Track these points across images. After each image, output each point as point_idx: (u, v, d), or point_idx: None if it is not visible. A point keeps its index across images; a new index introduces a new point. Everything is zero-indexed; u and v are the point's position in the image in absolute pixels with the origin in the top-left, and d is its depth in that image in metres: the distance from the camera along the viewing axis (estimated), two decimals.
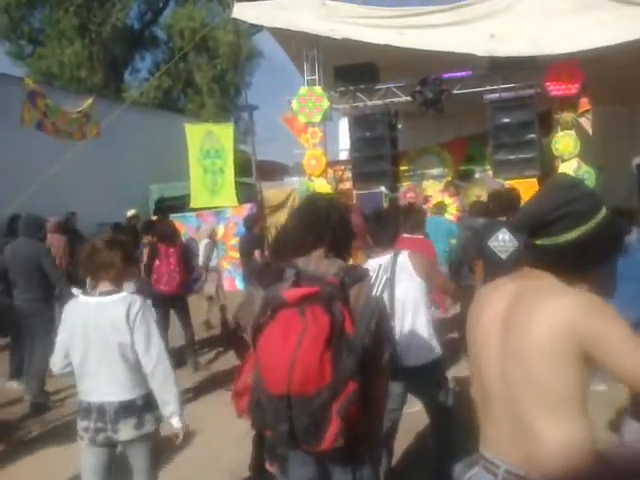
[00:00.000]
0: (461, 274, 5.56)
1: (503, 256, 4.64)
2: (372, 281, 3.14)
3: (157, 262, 6.49)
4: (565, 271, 1.45)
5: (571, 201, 1.42)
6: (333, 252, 2.08)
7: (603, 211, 1.46)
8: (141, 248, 7.24)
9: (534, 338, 1.37)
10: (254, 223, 7.68)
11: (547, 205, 1.44)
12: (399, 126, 9.99)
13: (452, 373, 5.69)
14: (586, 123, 8.54)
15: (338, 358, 1.78)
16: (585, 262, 1.44)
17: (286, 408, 1.82)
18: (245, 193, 12.66)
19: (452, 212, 9.34)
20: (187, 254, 6.81)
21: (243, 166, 14.01)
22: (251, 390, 1.98)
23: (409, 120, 10.88)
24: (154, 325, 2.80)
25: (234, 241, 10.35)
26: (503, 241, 4.66)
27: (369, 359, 1.88)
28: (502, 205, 4.93)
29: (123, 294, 2.81)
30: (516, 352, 1.40)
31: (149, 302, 2.86)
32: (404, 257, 3.24)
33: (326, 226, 2.08)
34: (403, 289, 3.22)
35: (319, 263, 2.01)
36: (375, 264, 3.26)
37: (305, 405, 1.79)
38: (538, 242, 1.44)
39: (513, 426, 1.43)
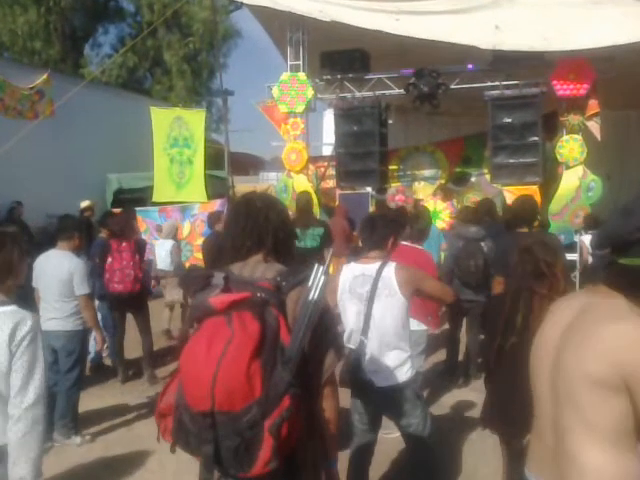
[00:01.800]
0: (452, 288, 5.21)
1: None
2: (345, 286, 3.23)
3: (109, 259, 6.53)
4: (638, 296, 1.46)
5: None
6: (273, 256, 2.09)
7: None
8: (96, 244, 7.20)
9: (583, 363, 1.39)
10: (216, 221, 7.58)
11: (630, 224, 1.45)
12: (390, 121, 9.92)
13: (436, 399, 5.85)
14: (594, 127, 8.51)
15: (270, 370, 1.76)
16: None
17: (210, 427, 1.78)
18: (216, 188, 12.64)
19: (445, 218, 9.47)
20: (141, 250, 6.82)
21: (214, 158, 14.44)
22: (174, 409, 1.95)
23: (401, 115, 10.80)
24: (41, 357, 2.45)
25: (200, 241, 10.20)
26: None
27: (312, 370, 1.88)
28: (523, 216, 4.94)
29: (11, 308, 2.47)
30: (565, 373, 1.43)
31: (39, 324, 2.53)
32: (390, 270, 3.22)
33: (265, 229, 2.09)
34: (381, 306, 3.22)
35: (255, 268, 2.02)
36: (357, 270, 3.28)
37: (231, 423, 1.75)
38: (621, 261, 1.47)
39: (556, 448, 1.48)
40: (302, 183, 9.36)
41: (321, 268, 1.81)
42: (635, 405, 1.36)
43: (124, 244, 6.57)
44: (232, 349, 1.71)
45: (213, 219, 7.75)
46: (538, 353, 1.56)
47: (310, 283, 1.82)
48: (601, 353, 1.36)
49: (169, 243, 8.48)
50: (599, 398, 1.35)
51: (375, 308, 3.20)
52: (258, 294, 1.84)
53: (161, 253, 8.46)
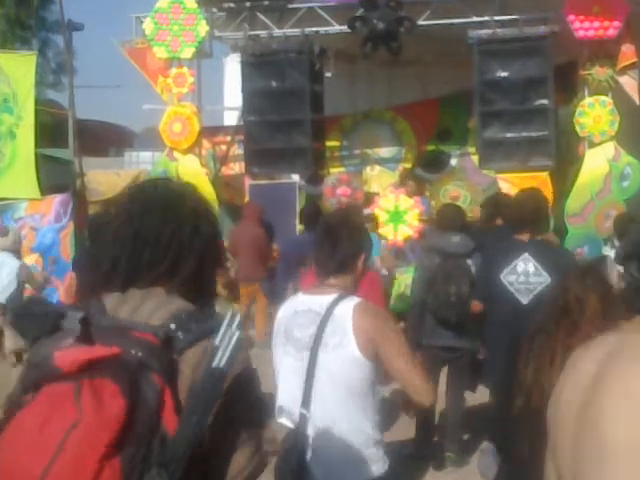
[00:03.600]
0: (423, 328, 5.51)
1: (523, 299, 4.62)
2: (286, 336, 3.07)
3: None
4: None
5: None
6: (183, 288, 1.81)
7: None
8: None
9: (612, 426, 1.31)
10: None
11: None
12: (327, 74, 9.22)
13: None
14: (630, 85, 7.91)
15: (137, 474, 1.48)
16: None
17: None
18: (54, 176, 11.62)
19: (411, 222, 7.87)
20: None
21: (52, 129, 12.81)
22: None
23: (344, 65, 10.05)
24: None
25: (30, 258, 9.39)
26: (525, 274, 4.62)
27: (214, 473, 1.67)
28: (521, 216, 4.90)
29: None
30: (590, 437, 1.36)
31: None
32: (347, 307, 2.90)
33: (187, 246, 1.80)
34: (330, 362, 2.88)
35: (142, 305, 1.73)
36: (302, 304, 3.04)
37: None
38: None
39: None
40: (192, 169, 8.81)
41: (237, 317, 1.58)
42: None
43: None
44: (76, 438, 1.46)
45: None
46: (558, 413, 1.48)
47: (218, 339, 1.55)
48: (635, 412, 1.31)
49: (11, 261, 7.50)
50: (634, 469, 1.29)
51: (320, 364, 2.90)
52: (133, 351, 1.54)
53: None
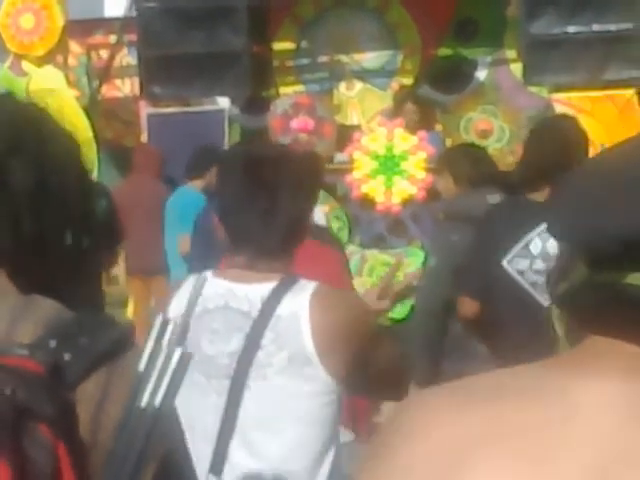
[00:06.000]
0: (438, 349, 4.81)
1: (543, 298, 3.80)
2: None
3: None
4: None
5: None
6: (29, 276, 1.40)
7: None
8: None
9: None
10: None
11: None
12: None
13: None
14: None
15: None
16: None
17: None
18: None
19: (415, 172, 6.65)
20: None
21: None
22: None
23: None
24: None
25: None
26: (543, 258, 3.96)
27: None
28: (538, 159, 4.24)
29: None
30: None
31: None
32: (299, 301, 2.42)
33: (21, 195, 1.37)
34: (266, 401, 2.48)
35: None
36: (217, 295, 2.50)
37: None
38: (628, 280, 1.00)
39: None
40: (51, 88, 7.63)
41: (169, 325, 1.27)
42: None
43: None
44: None
45: None
46: None
47: (144, 362, 1.24)
48: None
49: None
50: None
51: (252, 402, 2.43)
52: (7, 390, 1.20)
53: None
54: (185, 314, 2.37)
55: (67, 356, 1.22)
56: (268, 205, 2.43)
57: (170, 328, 1.25)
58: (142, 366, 1.21)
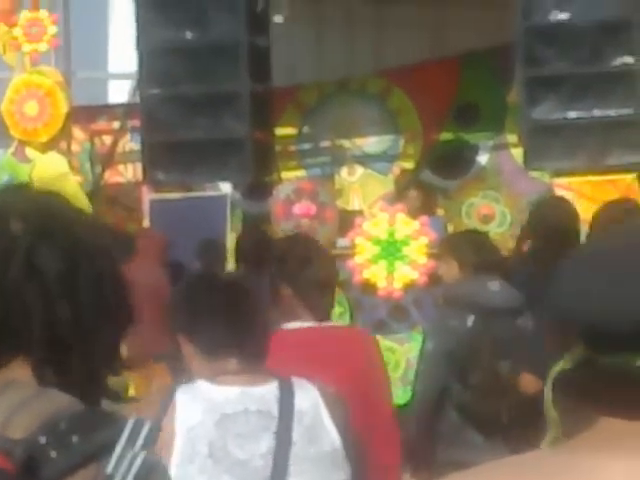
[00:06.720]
0: (438, 434, 4.76)
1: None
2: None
3: None
4: None
5: None
6: (53, 366, 1.39)
7: None
8: None
9: None
10: None
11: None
12: (276, 19, 8.06)
13: None
14: None
15: None
16: None
17: None
18: None
19: (417, 257, 6.76)
20: None
21: None
22: None
23: (305, 3, 8.73)
24: None
25: None
26: None
27: None
28: (537, 242, 5.12)
29: None
30: None
31: None
32: (308, 394, 2.58)
33: (27, 300, 1.37)
34: None
35: None
36: (228, 402, 2.55)
37: None
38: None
39: None
40: (55, 174, 7.78)
41: (144, 426, 1.26)
42: None
43: None
44: None
45: None
46: None
47: (112, 464, 1.24)
48: None
49: None
50: None
51: None
52: None
53: None
54: (202, 421, 2.40)
55: (53, 453, 1.21)
56: (247, 317, 2.52)
57: (145, 429, 1.25)
58: (110, 468, 1.20)
